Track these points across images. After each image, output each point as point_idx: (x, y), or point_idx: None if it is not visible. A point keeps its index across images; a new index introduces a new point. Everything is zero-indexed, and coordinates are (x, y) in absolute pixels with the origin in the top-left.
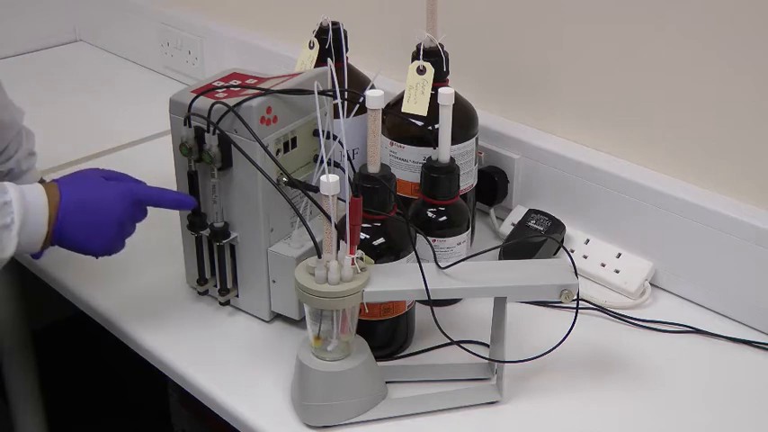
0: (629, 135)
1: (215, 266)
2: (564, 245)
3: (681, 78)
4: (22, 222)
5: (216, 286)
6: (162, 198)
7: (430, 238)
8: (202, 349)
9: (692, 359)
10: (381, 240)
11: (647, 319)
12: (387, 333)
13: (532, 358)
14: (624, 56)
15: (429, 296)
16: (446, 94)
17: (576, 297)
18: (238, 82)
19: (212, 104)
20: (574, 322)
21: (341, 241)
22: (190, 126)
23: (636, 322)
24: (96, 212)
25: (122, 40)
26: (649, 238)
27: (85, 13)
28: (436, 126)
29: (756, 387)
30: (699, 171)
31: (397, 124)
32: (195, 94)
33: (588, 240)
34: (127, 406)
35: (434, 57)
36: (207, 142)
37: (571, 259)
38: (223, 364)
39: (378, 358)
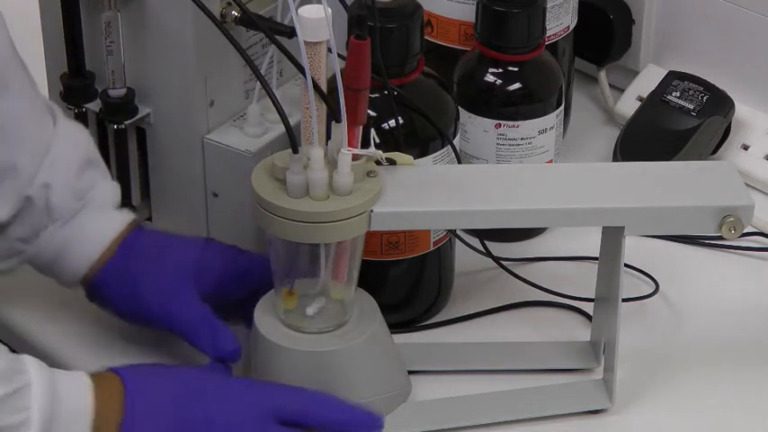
0: None
1: (110, 167)
2: (731, 135)
3: None
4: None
5: None
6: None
7: (490, 121)
8: (88, 318)
9: None
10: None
11: None
12: (404, 284)
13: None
14: None
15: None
16: None
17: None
18: None
19: None
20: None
21: (332, 123)
22: None
23: None
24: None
25: None
26: None
27: None
28: None
29: None
30: None
31: None
32: None
33: None
34: None
35: None
36: None
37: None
38: (121, 340)
39: (392, 328)
